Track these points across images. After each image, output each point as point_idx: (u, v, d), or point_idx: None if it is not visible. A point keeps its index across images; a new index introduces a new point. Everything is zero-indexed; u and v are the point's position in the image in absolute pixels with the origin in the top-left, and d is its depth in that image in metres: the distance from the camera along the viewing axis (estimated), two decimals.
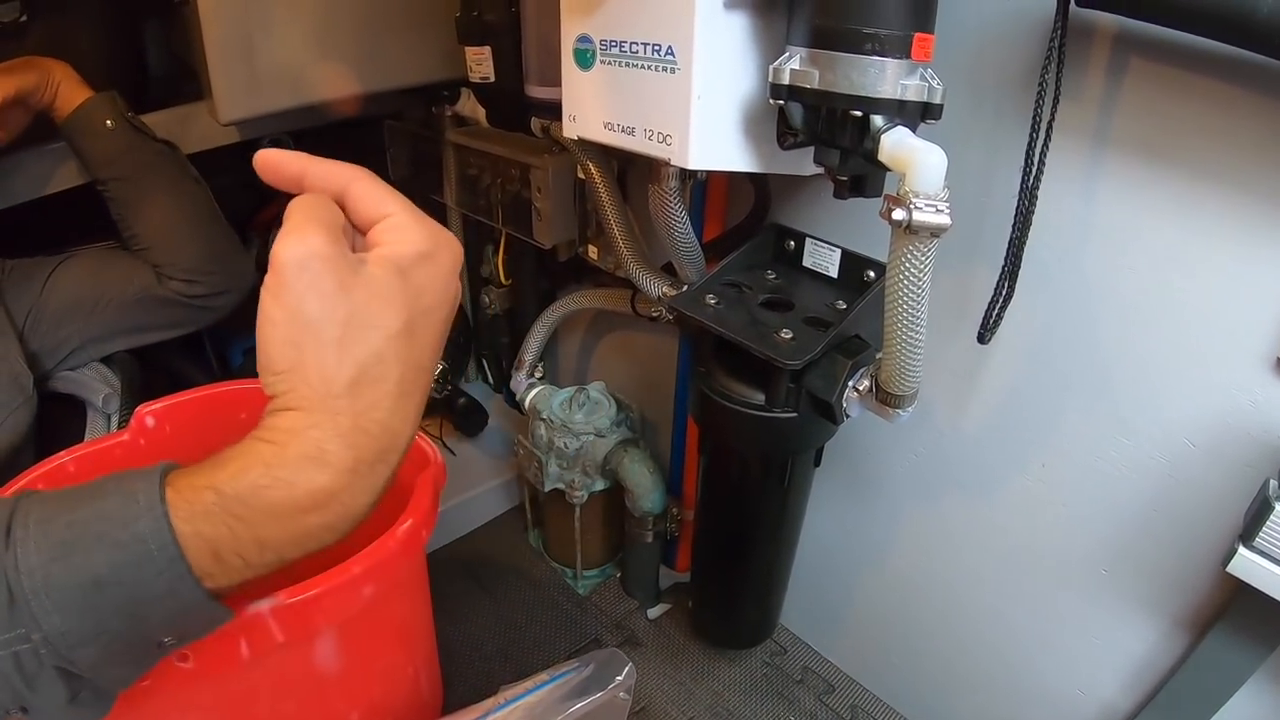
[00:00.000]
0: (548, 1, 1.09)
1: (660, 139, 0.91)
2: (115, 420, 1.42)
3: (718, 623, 1.45)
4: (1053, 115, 0.85)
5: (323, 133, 1.66)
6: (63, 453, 1.12)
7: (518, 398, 1.67)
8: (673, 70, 0.87)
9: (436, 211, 1.99)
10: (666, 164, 0.96)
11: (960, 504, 1.20)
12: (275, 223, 2.09)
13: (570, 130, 1.05)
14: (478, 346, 2.01)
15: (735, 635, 1.46)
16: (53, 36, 1.53)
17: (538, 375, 1.68)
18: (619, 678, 1.05)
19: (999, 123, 0.93)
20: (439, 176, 1.85)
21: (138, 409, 1.18)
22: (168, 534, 0.54)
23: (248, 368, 1.99)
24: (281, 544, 0.57)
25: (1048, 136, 0.85)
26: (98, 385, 1.46)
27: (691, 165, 0.89)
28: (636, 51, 0.91)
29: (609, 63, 0.95)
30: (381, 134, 2.02)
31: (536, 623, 1.61)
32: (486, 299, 1.86)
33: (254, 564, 0.56)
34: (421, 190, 1.96)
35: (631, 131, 0.95)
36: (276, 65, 1.49)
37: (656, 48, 0.88)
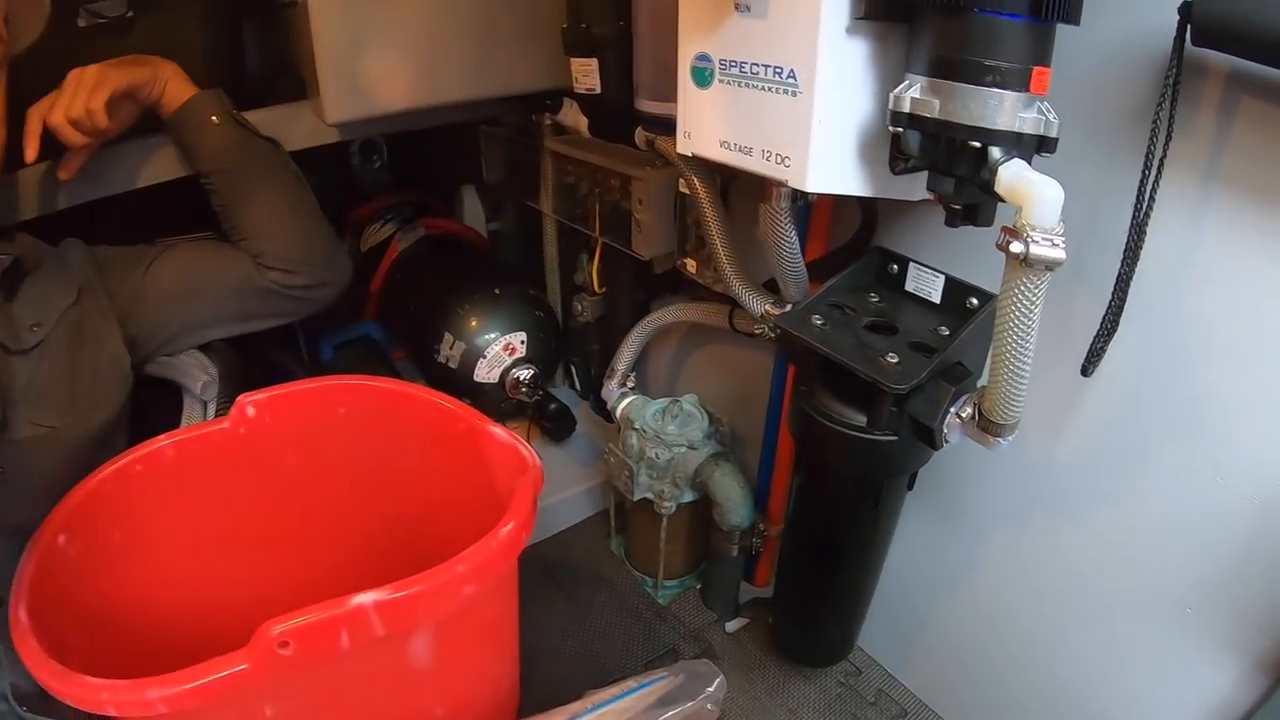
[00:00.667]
0: (663, 18, 1.14)
1: (779, 160, 0.93)
2: (212, 408, 1.47)
3: (797, 639, 1.48)
4: (1164, 152, 0.86)
5: (417, 135, 1.71)
6: (162, 436, 1.17)
7: (609, 406, 1.69)
8: (794, 93, 0.89)
9: (533, 217, 2.06)
10: (782, 185, 0.99)
11: (1047, 534, 1.21)
12: (367, 221, 2.13)
13: (684, 147, 1.08)
14: (567, 352, 2.05)
15: (814, 653, 1.48)
16: (156, 33, 1.59)
17: (629, 385, 1.71)
18: (709, 689, 1.08)
19: (1111, 156, 0.94)
20: (535, 183, 1.88)
21: (239, 398, 1.22)
22: None
23: (338, 362, 2.08)
24: None
25: (1159, 172, 0.86)
26: (196, 372, 1.51)
27: (809, 188, 0.91)
28: (757, 73, 0.94)
29: (727, 82, 0.98)
30: (476, 138, 2.07)
31: (615, 629, 1.64)
32: (579, 306, 1.89)
33: None
34: (516, 195, 2.01)
35: (749, 151, 0.98)
36: (384, 69, 1.56)
37: (778, 70, 0.91)
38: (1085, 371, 0.97)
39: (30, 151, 1.38)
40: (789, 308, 1.19)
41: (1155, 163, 0.86)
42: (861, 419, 1.07)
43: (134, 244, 1.54)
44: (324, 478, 1.33)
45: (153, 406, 1.41)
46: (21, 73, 1.25)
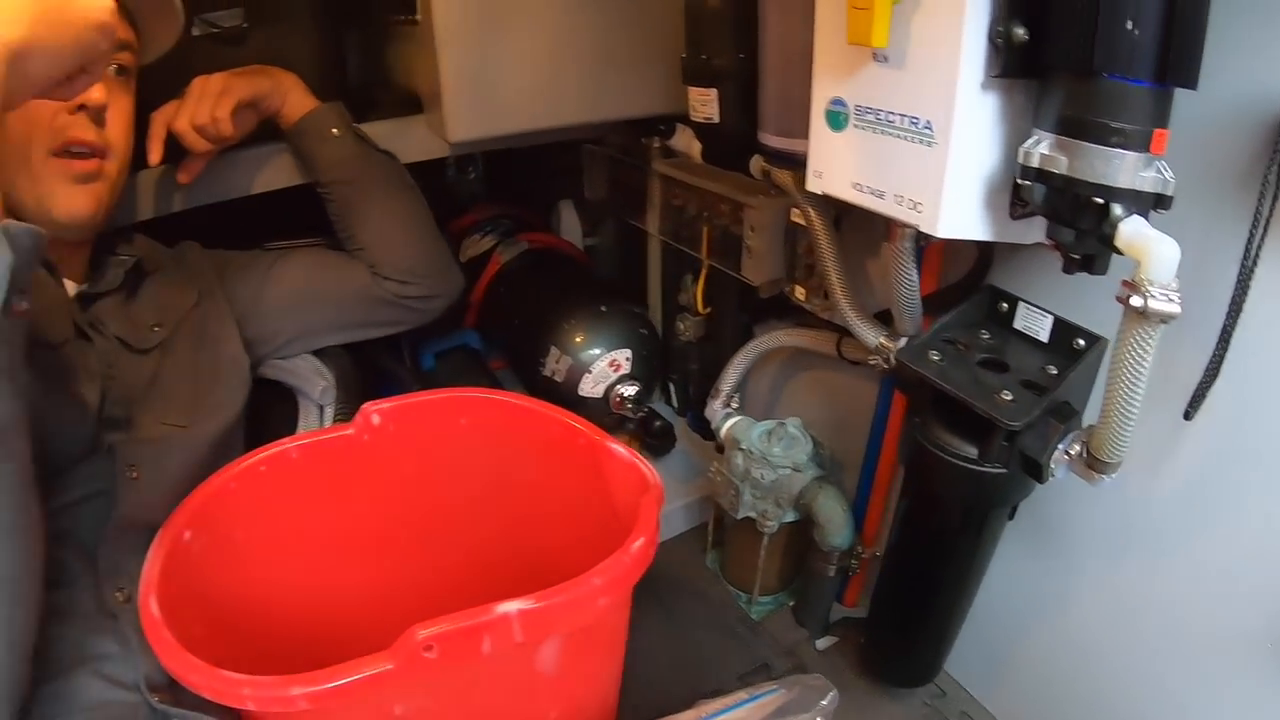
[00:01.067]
0: (793, 57, 1.18)
1: (911, 205, 0.99)
2: (329, 412, 1.53)
3: (888, 659, 1.53)
4: (1271, 211, 0.91)
5: (513, 149, 1.77)
6: (287, 439, 1.21)
7: (713, 426, 1.74)
8: (929, 143, 0.95)
9: (632, 234, 2.12)
10: (911, 228, 1.05)
11: (1141, 569, 1.25)
12: (466, 232, 2.19)
13: (814, 185, 1.13)
14: (666, 370, 2.11)
15: (903, 673, 1.54)
16: (269, 44, 1.67)
17: (733, 405, 1.75)
18: (823, 702, 1.11)
19: (1219, 213, 0.99)
20: (639, 203, 1.95)
21: (365, 406, 1.25)
22: None
23: (440, 373, 2.14)
24: None
25: (1265, 231, 0.92)
26: (315, 378, 1.57)
27: (940, 233, 0.97)
28: (893, 121, 0.99)
29: (862, 128, 1.03)
30: (574, 155, 2.15)
31: (709, 641, 1.66)
32: (681, 325, 1.95)
33: None
34: (619, 213, 2.08)
35: (881, 195, 1.04)
36: (506, 91, 1.62)
37: (914, 120, 0.96)
38: (1188, 416, 1.03)
39: (154, 155, 1.45)
40: (903, 341, 1.25)
41: (1263, 222, 0.92)
42: (973, 451, 1.13)
43: (241, 248, 1.61)
44: (442, 486, 1.36)
45: (266, 409, 1.47)
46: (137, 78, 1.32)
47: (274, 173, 1.62)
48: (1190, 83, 0.83)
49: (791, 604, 1.80)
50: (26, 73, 0.82)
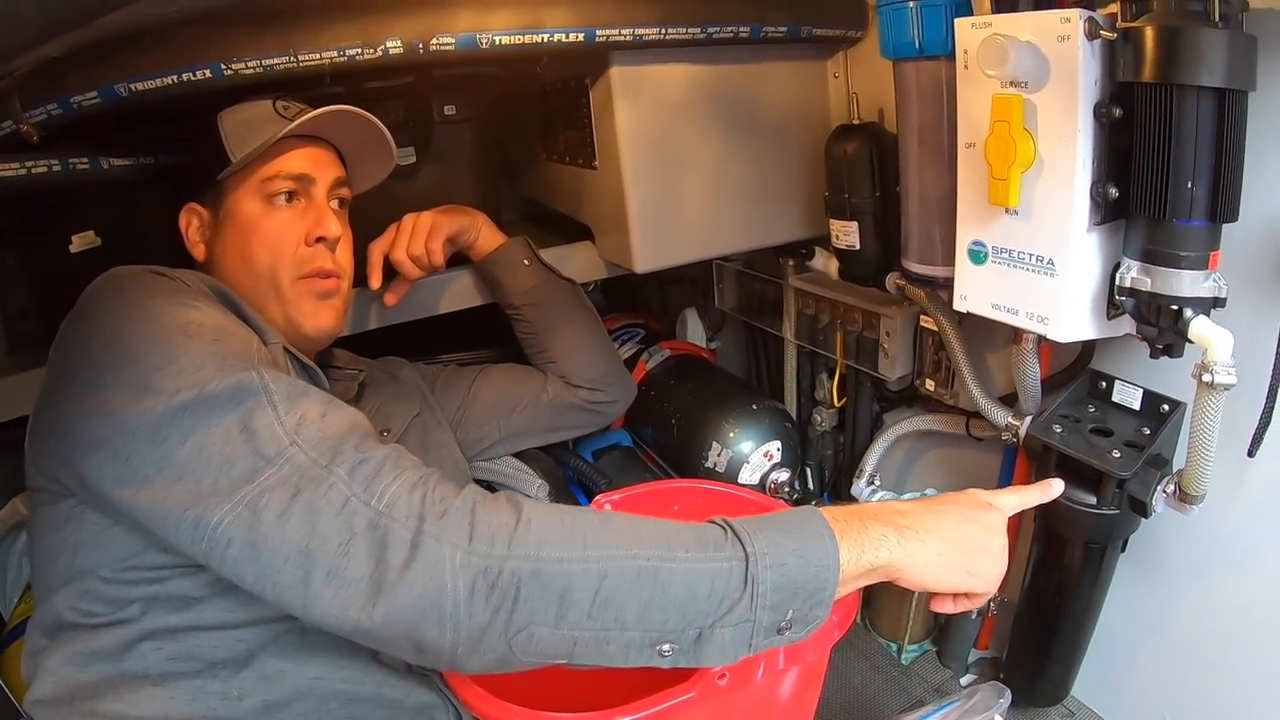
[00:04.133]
0: (930, 203, 1.54)
1: (1038, 320, 1.33)
2: None
3: (1025, 681, 1.81)
4: None
5: None
6: None
7: (861, 500, 2.05)
8: (1051, 274, 1.28)
9: (756, 338, 2.47)
10: (1036, 335, 1.42)
11: (1224, 584, 1.55)
12: None
13: (960, 305, 1.45)
14: (805, 457, 2.38)
15: (1039, 694, 1.81)
16: (435, 179, 2.00)
17: (877, 482, 2.08)
18: (1002, 700, 1.42)
19: (1261, 302, 1.34)
20: (771, 311, 2.30)
21: (598, 496, 1.47)
22: (835, 558, 1.02)
23: (603, 468, 2.32)
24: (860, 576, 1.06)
25: None
26: (529, 477, 1.87)
27: (1062, 339, 1.32)
28: (1023, 258, 1.31)
29: (999, 263, 1.34)
30: (696, 268, 2.54)
31: (869, 684, 1.99)
32: (817, 417, 2.28)
33: (848, 582, 1.04)
34: (753, 320, 2.42)
35: (1015, 313, 1.36)
36: (680, 227, 1.88)
37: (1039, 258, 1.29)
38: (1251, 453, 1.39)
39: (375, 280, 1.71)
40: (1028, 419, 1.60)
41: None
42: (1092, 499, 1.50)
43: (410, 358, 1.89)
44: None
45: None
46: None
47: (458, 295, 1.93)
48: (1233, 218, 1.18)
49: (935, 649, 2.10)
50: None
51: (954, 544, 1.13)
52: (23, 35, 0.74)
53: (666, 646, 0.98)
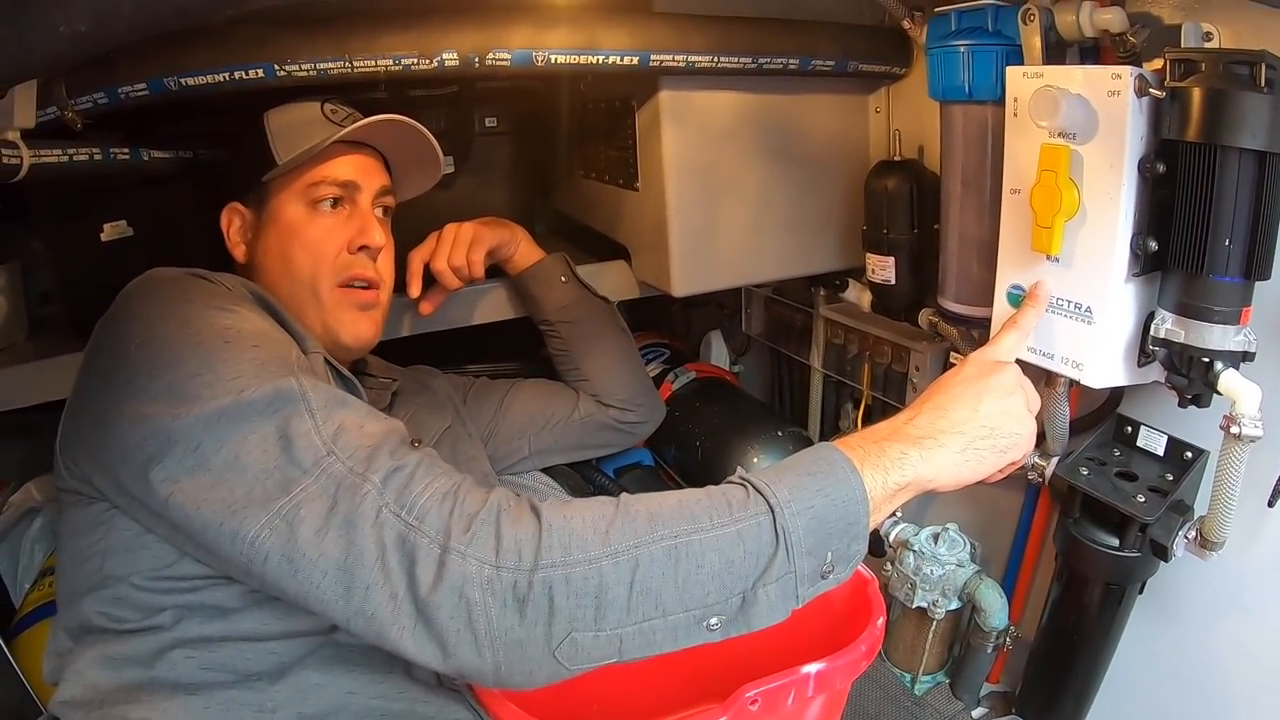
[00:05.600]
0: (970, 245, 1.59)
1: (1073, 365, 1.38)
2: None
3: (1037, 716, 1.86)
4: None
5: None
6: None
7: (882, 532, 2.08)
8: (1088, 321, 1.32)
9: (781, 364, 2.54)
10: (1068, 379, 1.46)
11: (1237, 630, 1.59)
12: None
13: None
14: None
15: None
16: (471, 189, 2.06)
17: (897, 514, 2.10)
18: None
19: None
20: (799, 339, 2.36)
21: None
22: (861, 489, 1.03)
23: (625, 486, 2.34)
24: (890, 499, 1.07)
25: None
26: (550, 492, 1.94)
27: (1096, 385, 1.37)
28: (1061, 304, 1.35)
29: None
30: (723, 293, 2.59)
31: (884, 715, 2.03)
32: None
33: (879, 509, 1.06)
34: (780, 347, 2.48)
35: (1050, 357, 1.40)
36: (719, 253, 1.94)
37: (1077, 305, 1.33)
38: (1271, 504, 1.44)
39: (415, 289, 1.76)
40: (1054, 460, 1.65)
41: None
42: (1114, 541, 1.55)
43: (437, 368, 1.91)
44: None
45: None
46: None
47: (492, 307, 1.98)
48: (1266, 276, 1.22)
49: (948, 681, 2.14)
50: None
51: (975, 432, 1.15)
52: (116, 31, 0.77)
53: (714, 620, 1.00)
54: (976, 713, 2.09)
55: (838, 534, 1.03)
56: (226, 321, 1.15)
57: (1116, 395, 1.71)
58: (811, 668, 1.15)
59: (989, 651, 2.01)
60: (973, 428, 1.15)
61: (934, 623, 2.01)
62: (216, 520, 0.99)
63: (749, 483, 1.05)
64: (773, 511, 1.01)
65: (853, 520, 1.03)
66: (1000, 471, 1.21)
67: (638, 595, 0.97)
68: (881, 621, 1.28)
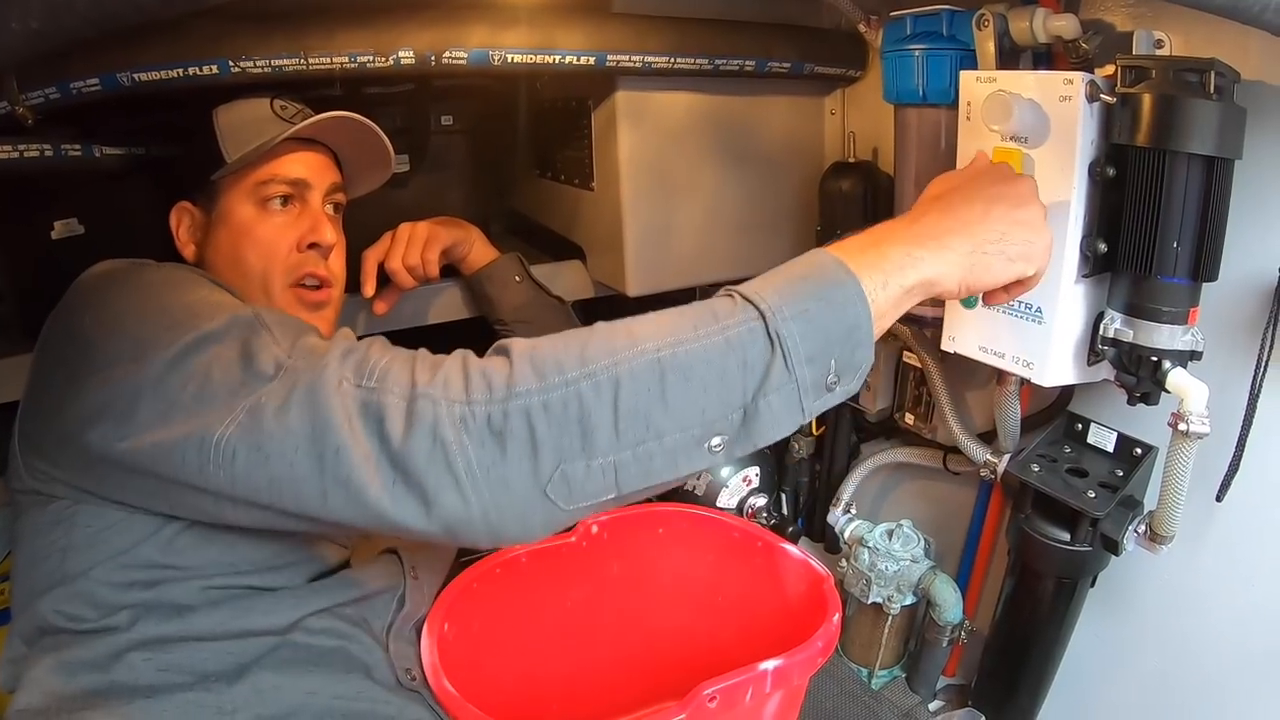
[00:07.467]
0: None
1: (1024, 364, 1.40)
2: None
3: (993, 710, 1.87)
4: (1269, 354, 1.35)
5: None
6: (520, 546, 1.44)
7: (837, 529, 2.13)
8: (1039, 322, 1.35)
9: None
10: (1020, 378, 1.50)
11: (1193, 620, 1.63)
12: None
13: (949, 346, 1.52)
14: (780, 483, 2.45)
15: (1006, 717, 1.89)
16: (426, 188, 2.04)
17: (852, 510, 2.16)
18: None
19: (1234, 357, 1.41)
20: None
21: (586, 519, 1.49)
22: (858, 291, 0.98)
23: None
24: (895, 304, 1.03)
25: (1266, 367, 1.36)
26: None
27: (1046, 384, 1.39)
28: (1012, 305, 1.37)
29: (989, 308, 1.38)
30: (690, 293, 2.43)
31: (842, 710, 2.05)
32: (795, 445, 2.33)
33: (884, 313, 1.01)
34: None
35: (1001, 356, 1.43)
36: (673, 253, 1.96)
37: (1028, 306, 1.36)
38: (1219, 498, 1.46)
39: (369, 288, 1.74)
40: (1006, 457, 1.70)
41: (1264, 361, 1.36)
42: (1065, 535, 1.59)
43: None
44: (637, 584, 1.59)
45: None
46: None
47: (447, 307, 1.96)
48: (1213, 278, 1.26)
49: (904, 675, 2.18)
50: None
51: (984, 235, 1.09)
52: (70, 27, 0.78)
53: (716, 440, 0.94)
54: (933, 706, 2.12)
55: (838, 340, 0.97)
56: (181, 290, 1.16)
57: (1067, 393, 1.75)
58: (769, 664, 1.15)
59: (944, 646, 2.04)
60: (980, 231, 1.09)
61: (890, 618, 2.04)
62: (183, 437, 0.98)
63: (736, 292, 0.99)
64: (764, 317, 0.95)
65: (854, 325, 0.98)
66: (1006, 291, 1.18)
67: (625, 417, 0.91)
68: (838, 617, 1.29)
